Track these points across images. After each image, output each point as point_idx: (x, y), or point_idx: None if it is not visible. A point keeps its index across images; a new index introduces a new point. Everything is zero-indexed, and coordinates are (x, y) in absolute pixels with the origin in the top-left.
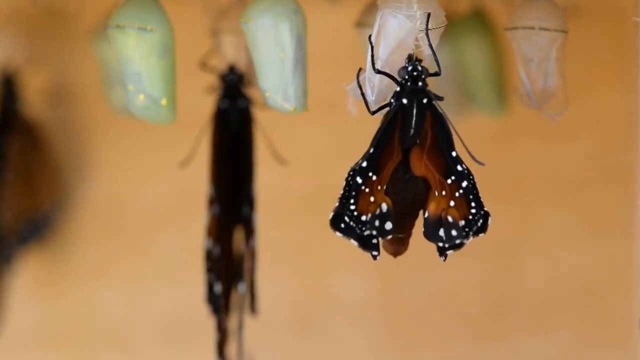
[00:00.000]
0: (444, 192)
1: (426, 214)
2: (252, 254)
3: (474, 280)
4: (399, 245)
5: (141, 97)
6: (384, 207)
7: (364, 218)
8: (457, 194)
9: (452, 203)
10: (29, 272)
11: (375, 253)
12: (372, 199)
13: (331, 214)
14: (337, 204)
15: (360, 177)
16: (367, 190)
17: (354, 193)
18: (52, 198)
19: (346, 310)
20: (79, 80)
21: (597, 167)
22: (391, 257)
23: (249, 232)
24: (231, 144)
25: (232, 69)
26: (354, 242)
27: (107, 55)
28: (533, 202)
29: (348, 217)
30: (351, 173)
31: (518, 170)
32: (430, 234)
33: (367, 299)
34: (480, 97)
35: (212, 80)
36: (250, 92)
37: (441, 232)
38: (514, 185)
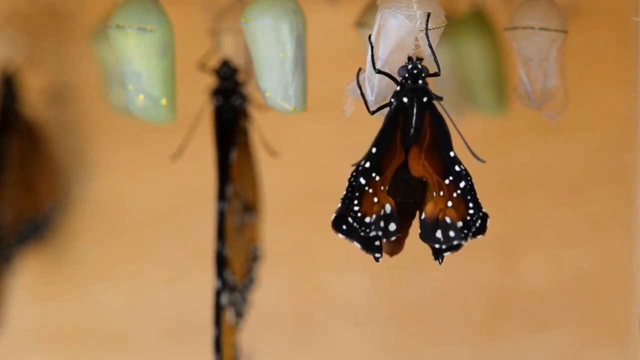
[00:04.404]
0: (441, 193)
1: (422, 216)
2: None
3: (474, 280)
4: (395, 245)
5: (141, 97)
6: (388, 208)
7: (367, 219)
8: (455, 195)
9: (449, 204)
10: (29, 272)
11: (378, 255)
12: (375, 199)
13: (333, 215)
14: (339, 205)
15: (364, 178)
16: (370, 191)
17: (357, 194)
18: (52, 198)
19: (346, 310)
20: (79, 80)
21: (597, 166)
22: (391, 257)
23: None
24: (223, 139)
25: (225, 63)
26: (356, 245)
27: (107, 55)
28: (533, 202)
29: (352, 218)
30: (354, 174)
31: (518, 170)
32: (427, 235)
33: (367, 299)
34: (480, 97)
35: (212, 80)
36: (247, 89)
37: (438, 234)
38: (513, 185)
